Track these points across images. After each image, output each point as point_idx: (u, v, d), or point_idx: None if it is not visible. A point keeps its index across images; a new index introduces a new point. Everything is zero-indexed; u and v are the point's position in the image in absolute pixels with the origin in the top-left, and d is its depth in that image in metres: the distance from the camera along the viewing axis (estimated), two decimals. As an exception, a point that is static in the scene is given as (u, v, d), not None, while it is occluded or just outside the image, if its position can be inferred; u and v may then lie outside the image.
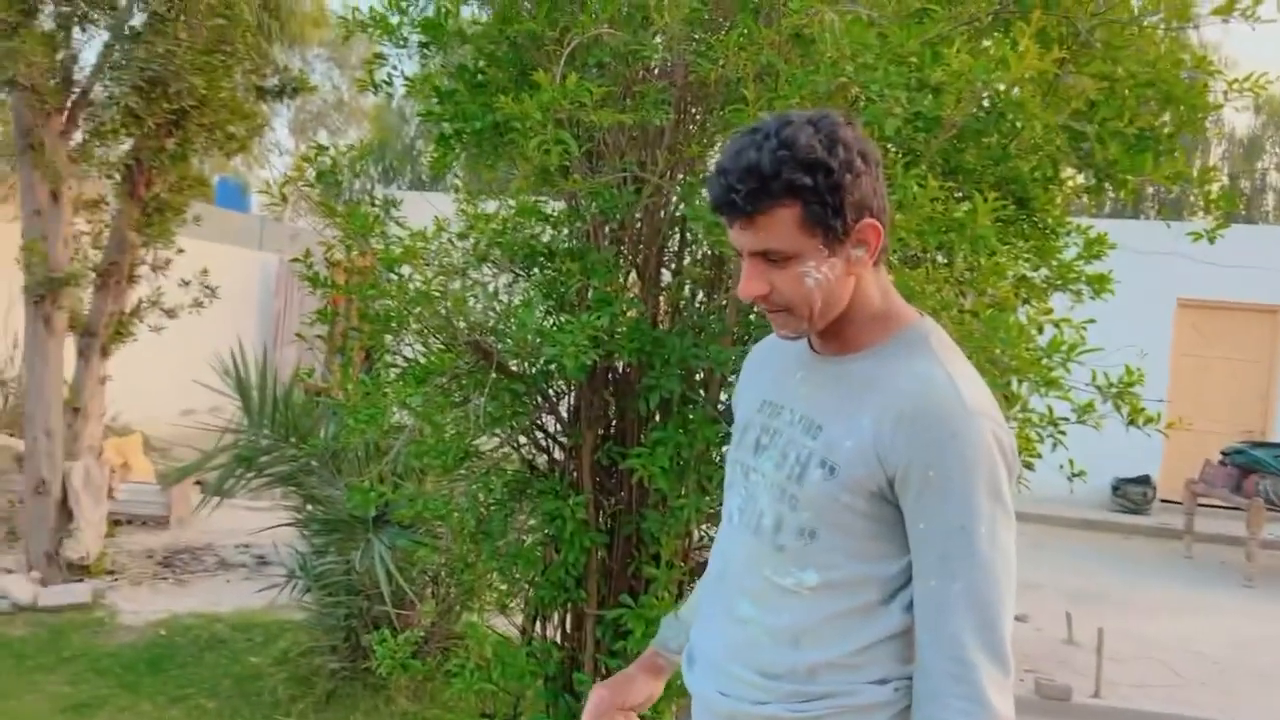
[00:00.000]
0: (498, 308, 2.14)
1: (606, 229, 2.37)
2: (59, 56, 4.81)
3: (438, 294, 1.98)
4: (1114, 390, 2.11)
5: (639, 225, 2.46)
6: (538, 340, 1.94)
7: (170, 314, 5.80)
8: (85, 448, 5.38)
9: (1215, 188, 2.37)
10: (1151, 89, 2.14)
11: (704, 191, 2.41)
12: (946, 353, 1.21)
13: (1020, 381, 1.65)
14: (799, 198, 1.12)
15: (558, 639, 2.62)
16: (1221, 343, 10.26)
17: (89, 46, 5.14)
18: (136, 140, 5.29)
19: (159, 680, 4.01)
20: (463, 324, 2.05)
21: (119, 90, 4.75)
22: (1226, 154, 20.70)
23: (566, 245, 2.36)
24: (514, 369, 2.23)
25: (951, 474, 1.12)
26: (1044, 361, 1.64)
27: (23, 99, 4.70)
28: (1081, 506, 9.21)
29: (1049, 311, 2.38)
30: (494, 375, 2.04)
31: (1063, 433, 2.22)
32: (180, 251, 5.87)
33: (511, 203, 2.27)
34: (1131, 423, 2.11)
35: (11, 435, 7.18)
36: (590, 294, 2.11)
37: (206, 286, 5.91)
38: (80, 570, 5.13)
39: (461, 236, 2.39)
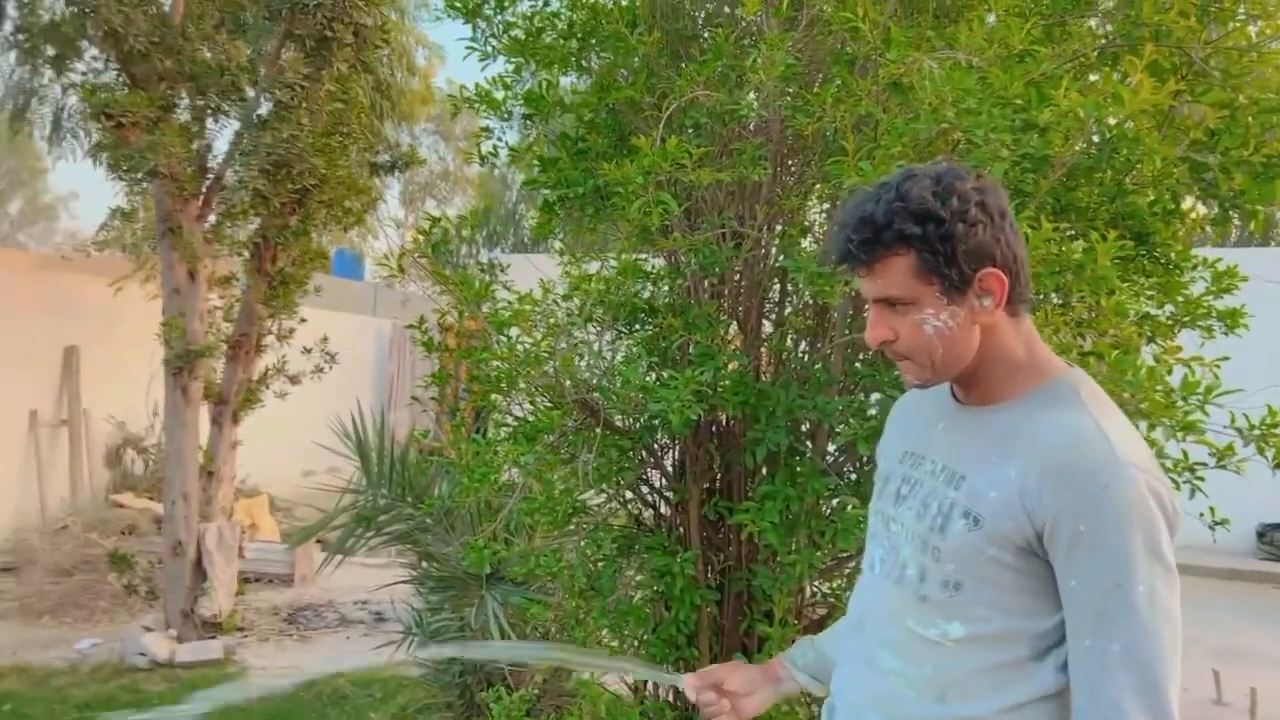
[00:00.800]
0: (602, 366, 2.18)
1: (706, 283, 2.39)
2: (194, 146, 5.23)
3: (546, 354, 2.03)
4: (1256, 433, 1.97)
5: (739, 279, 2.48)
6: (642, 396, 1.96)
7: (294, 380, 6.13)
8: (218, 510, 5.69)
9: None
10: (1277, 115, 2.03)
11: (803, 242, 2.42)
12: (1097, 404, 1.18)
13: (1152, 427, 1.57)
14: (911, 246, 1.15)
15: (670, 698, 2.59)
16: (1374, 376, 9.49)
17: (221, 136, 5.57)
18: (263, 219, 5.67)
19: (286, 736, 4.15)
20: (569, 382, 2.09)
21: (248, 174, 5.11)
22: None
23: (668, 301, 2.39)
24: (619, 425, 2.26)
25: (1105, 529, 1.08)
26: (1179, 405, 1.55)
27: (163, 187, 5.12)
28: (1224, 555, 8.56)
29: (1177, 350, 2.26)
30: (600, 432, 2.07)
31: (1201, 478, 2.09)
32: (303, 321, 6.22)
33: (613, 262, 2.33)
34: (1277, 466, 1.97)
35: (151, 499, 7.65)
36: (692, 349, 2.13)
37: (326, 353, 6.23)
38: (213, 627, 5.38)
39: (566, 297, 2.46)
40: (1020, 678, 1.16)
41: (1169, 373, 1.87)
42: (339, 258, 15.57)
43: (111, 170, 5.22)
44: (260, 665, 5.12)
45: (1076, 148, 1.97)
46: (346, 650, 5.46)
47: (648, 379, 2.12)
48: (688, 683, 1.51)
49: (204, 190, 5.34)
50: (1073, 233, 1.96)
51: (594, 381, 2.15)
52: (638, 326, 2.39)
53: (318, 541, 7.35)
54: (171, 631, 5.22)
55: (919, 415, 1.36)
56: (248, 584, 6.48)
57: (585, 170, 2.40)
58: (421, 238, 2.24)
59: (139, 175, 4.89)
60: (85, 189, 42.24)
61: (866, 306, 1.25)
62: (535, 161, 2.53)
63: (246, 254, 5.88)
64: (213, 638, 5.30)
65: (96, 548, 6.47)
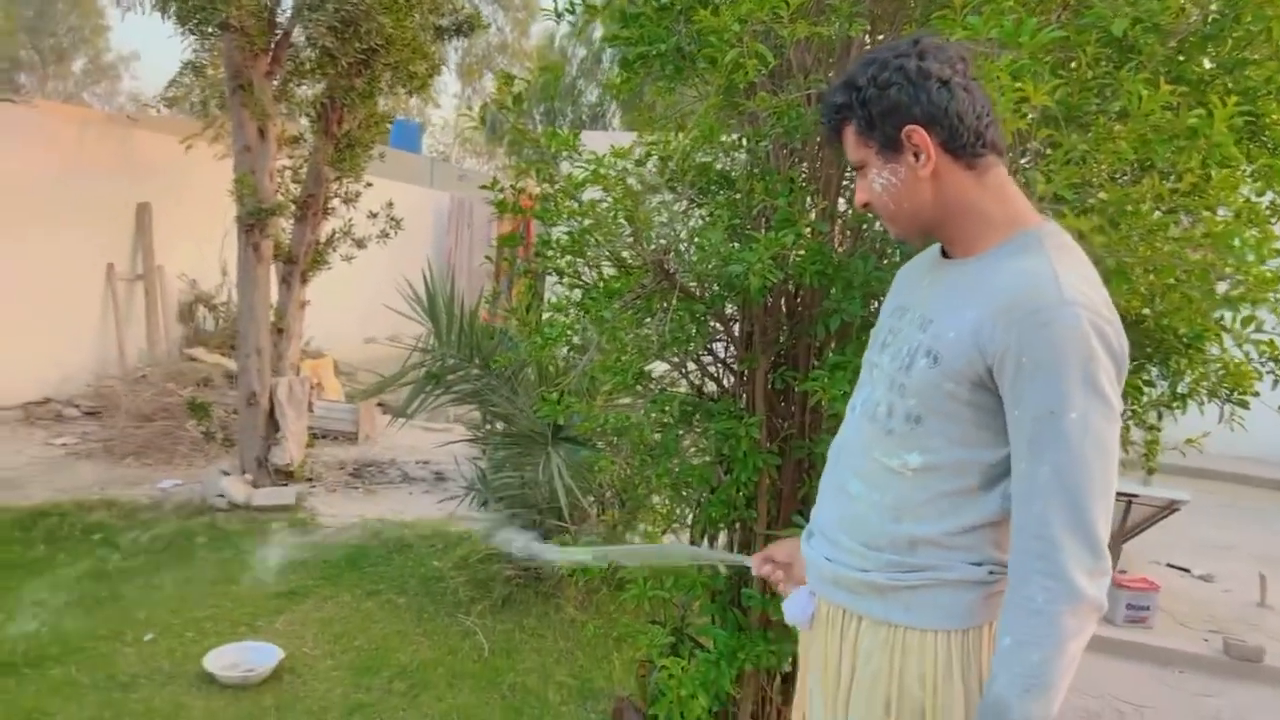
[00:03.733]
0: (678, 229, 2.17)
1: (787, 150, 2.35)
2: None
3: (625, 215, 2.03)
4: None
5: (820, 146, 2.42)
6: (721, 260, 1.97)
7: (360, 244, 6.22)
8: (288, 366, 5.91)
9: None
10: None
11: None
12: (1058, 251, 1.25)
13: (1256, 303, 1.53)
14: (848, 115, 1.33)
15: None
16: None
17: (289, -9, 5.48)
18: (330, 79, 5.64)
19: (355, 576, 4.42)
20: (649, 245, 2.10)
21: (316, 31, 5.06)
22: None
23: (746, 169, 2.36)
24: (693, 290, 2.27)
25: (1043, 360, 1.17)
26: (1282, 282, 1.51)
27: (233, 41, 5.09)
28: (1274, 466, 8.45)
29: (1274, 238, 2.19)
30: (676, 296, 2.09)
31: (1259, 378, 2.05)
32: (369, 185, 6.25)
33: (687, 133, 2.29)
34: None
35: (223, 354, 7.96)
36: (773, 214, 2.11)
37: (392, 218, 6.28)
38: (285, 475, 5.67)
39: (639, 163, 2.43)
40: (969, 504, 1.29)
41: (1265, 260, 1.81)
42: (397, 128, 15.49)
43: (180, 22, 5.20)
44: (329, 513, 5.42)
45: (1192, 17, 1.86)
46: (409, 504, 5.73)
47: (725, 244, 2.11)
48: (753, 563, 1.72)
49: (273, 46, 5.30)
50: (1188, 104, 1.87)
51: (669, 245, 2.15)
52: (715, 194, 2.37)
53: (379, 405, 7.63)
54: (247, 476, 5.52)
55: (914, 275, 1.48)
56: (315, 439, 6.78)
57: (668, 26, 2.34)
58: (504, 90, 2.22)
59: (209, 27, 4.87)
60: (147, 49, 42.14)
61: None
62: (618, 17, 2.47)
63: (314, 114, 5.88)
64: (285, 485, 5.60)
65: (174, 397, 6.80)
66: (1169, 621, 4.50)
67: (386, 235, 6.25)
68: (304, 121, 6.19)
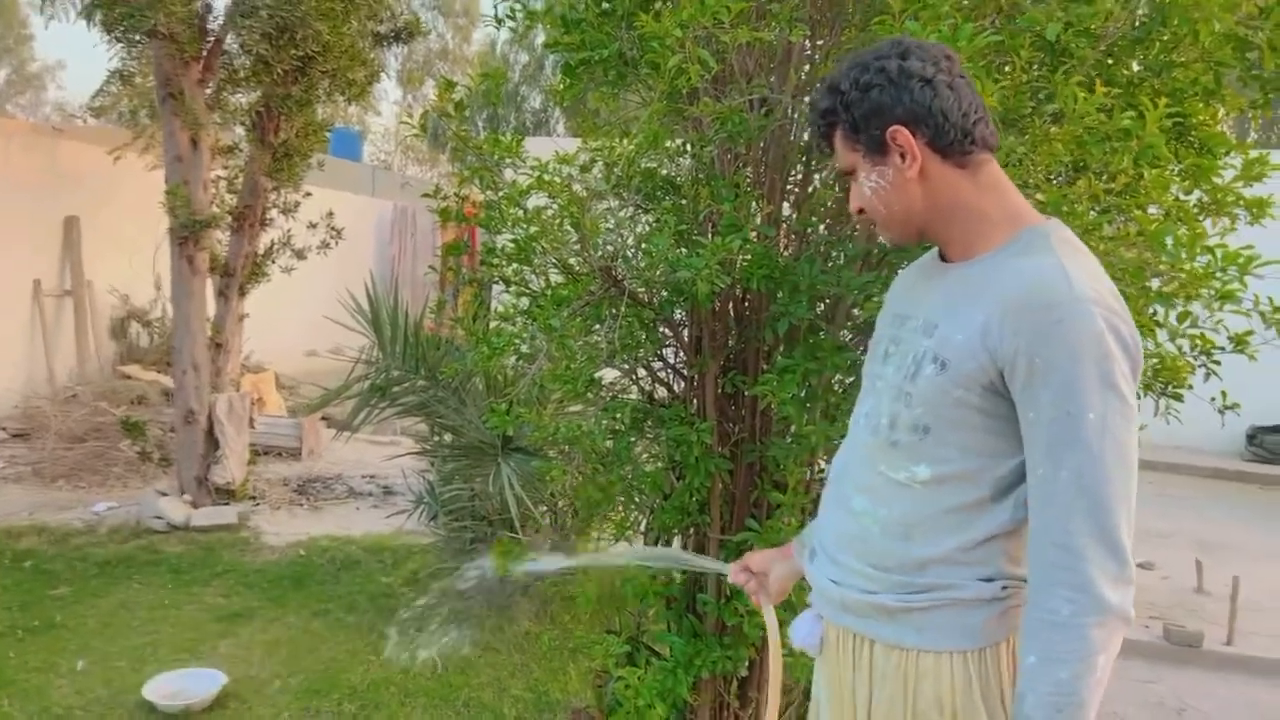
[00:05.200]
0: (624, 236, 2.16)
1: (731, 156, 2.35)
2: (194, 5, 5.03)
3: (571, 221, 2.01)
4: (1277, 316, 1.99)
5: (764, 152, 2.43)
6: (668, 266, 1.96)
7: (300, 255, 6.09)
8: (227, 381, 5.75)
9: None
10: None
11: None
12: (1064, 247, 1.22)
13: (1189, 298, 1.57)
14: (834, 120, 1.30)
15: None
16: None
17: (220, -3, 5.35)
18: (265, 87, 5.51)
19: (302, 595, 4.31)
20: (596, 252, 2.08)
21: (250, 38, 4.94)
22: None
23: (691, 175, 2.35)
24: (641, 297, 2.26)
25: (1058, 361, 1.12)
26: (1217, 275, 1.55)
27: (163, 49, 4.95)
28: (1213, 455, 8.75)
29: (1203, 236, 2.26)
30: (624, 302, 2.07)
31: (1217, 362, 2.11)
32: (308, 195, 6.13)
33: (631, 139, 2.28)
34: (1297, 351, 1.99)
35: (159, 371, 7.72)
36: (721, 220, 2.11)
37: (332, 228, 6.16)
38: (226, 494, 5.52)
39: (585, 169, 2.41)
40: (980, 516, 1.24)
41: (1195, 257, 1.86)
42: (337, 137, 15.25)
43: (107, 30, 5.04)
44: (273, 531, 5.28)
45: (1121, 21, 1.91)
46: (355, 520, 5.61)
47: (672, 250, 2.10)
48: (731, 571, 1.66)
49: (204, 53, 5.17)
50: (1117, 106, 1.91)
51: (616, 251, 2.13)
52: (658, 202, 2.36)
53: (323, 419, 7.47)
54: (186, 497, 5.35)
55: (911, 282, 1.43)
56: (258, 456, 6.61)
57: (610, 32, 2.32)
58: (445, 96, 2.18)
59: (136, 35, 4.72)
60: (74, 58, 40.87)
61: None
62: (559, 23, 2.44)
63: (249, 124, 5.74)
64: (226, 504, 5.44)
65: (107, 416, 6.57)
66: (1111, 610, 4.62)
67: (327, 245, 6.13)
68: (239, 130, 6.04)
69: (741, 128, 2.20)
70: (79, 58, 42.56)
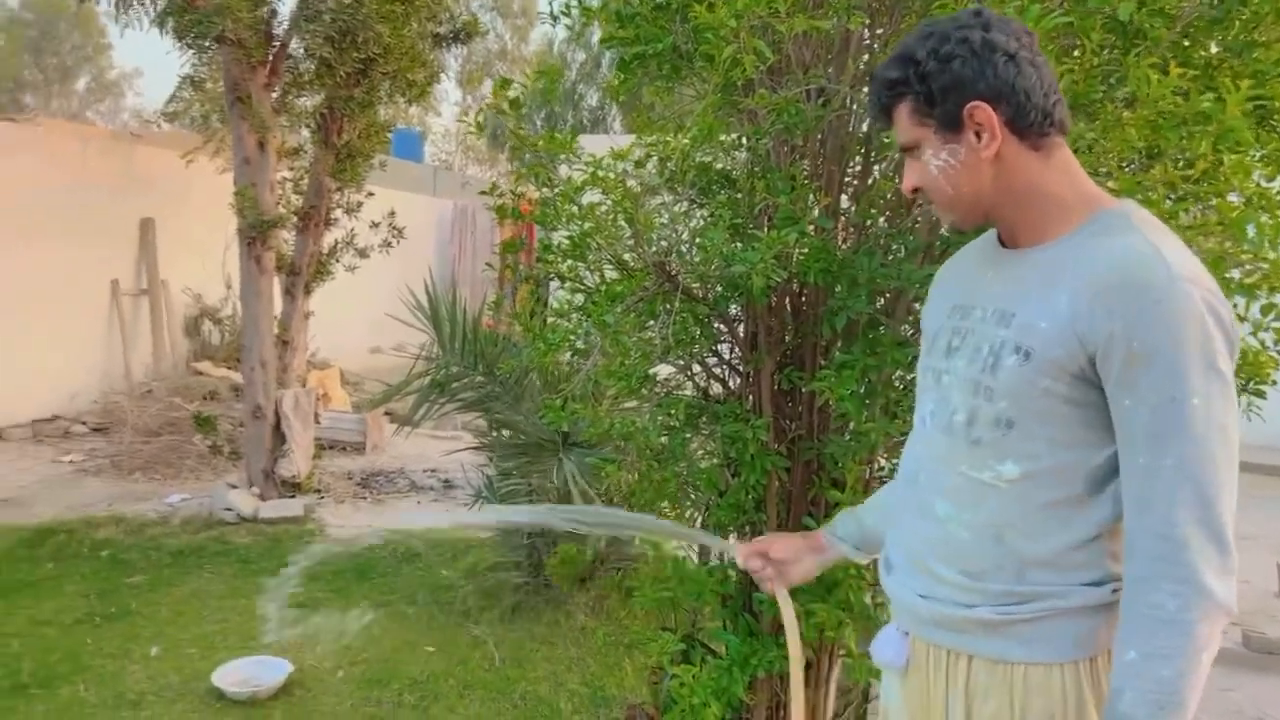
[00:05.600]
0: (679, 230, 2.14)
1: (788, 148, 2.32)
2: (260, 11, 5.16)
3: (626, 217, 2.00)
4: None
5: (821, 144, 2.39)
6: (723, 260, 1.94)
7: (363, 254, 6.21)
8: (293, 377, 5.89)
9: None
10: None
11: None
12: (1150, 227, 1.15)
13: (1273, 290, 1.49)
14: (904, 91, 1.22)
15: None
16: None
17: (285, 2, 5.47)
18: (329, 90, 5.63)
19: (365, 587, 4.40)
20: (650, 247, 2.07)
21: (313, 42, 5.05)
22: None
23: (746, 169, 2.33)
24: (695, 292, 2.24)
25: (1158, 344, 1.06)
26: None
27: (230, 54, 5.09)
28: (1299, 454, 8.35)
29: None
30: (679, 298, 2.06)
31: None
32: (370, 194, 6.24)
33: (685, 132, 2.26)
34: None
35: (229, 368, 7.95)
36: (775, 212, 2.08)
37: (394, 227, 6.27)
38: (293, 488, 5.66)
39: (639, 165, 2.40)
40: (1078, 515, 1.16)
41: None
42: (399, 138, 15.52)
43: (178, 37, 5.20)
44: (337, 524, 5.40)
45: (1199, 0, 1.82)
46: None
47: (727, 245, 2.08)
48: (738, 550, 1.57)
49: (270, 58, 5.30)
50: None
51: (671, 247, 2.12)
52: (716, 194, 2.34)
53: (386, 414, 7.61)
54: (254, 489, 5.50)
55: (966, 271, 1.36)
56: (323, 450, 6.76)
57: (664, 25, 2.31)
58: (500, 94, 2.19)
59: (206, 41, 4.86)
60: (150, 66, 42.40)
61: None
62: (614, 18, 2.44)
63: (313, 126, 5.87)
64: (292, 497, 5.58)
65: (181, 411, 6.80)
66: (1187, 615, 4.44)
67: (389, 244, 6.24)
68: (304, 133, 6.18)
69: (798, 119, 2.16)
70: (155, 65, 44.12)
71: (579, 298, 2.46)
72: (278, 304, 5.84)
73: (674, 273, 2.09)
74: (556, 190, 2.35)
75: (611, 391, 2.83)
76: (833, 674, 2.59)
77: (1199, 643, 1.06)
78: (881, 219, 2.44)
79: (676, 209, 2.38)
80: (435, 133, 29.24)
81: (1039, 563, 1.18)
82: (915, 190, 1.28)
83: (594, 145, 2.50)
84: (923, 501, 1.29)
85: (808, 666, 2.57)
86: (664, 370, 2.71)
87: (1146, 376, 1.07)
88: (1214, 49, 1.85)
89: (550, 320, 2.35)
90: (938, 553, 1.26)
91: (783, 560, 1.54)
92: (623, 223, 2.11)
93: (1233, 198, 2.00)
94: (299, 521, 5.35)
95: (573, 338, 2.37)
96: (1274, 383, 2.03)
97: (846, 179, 2.47)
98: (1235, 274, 1.67)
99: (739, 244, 2.12)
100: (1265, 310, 1.56)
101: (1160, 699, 1.06)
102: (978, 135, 1.19)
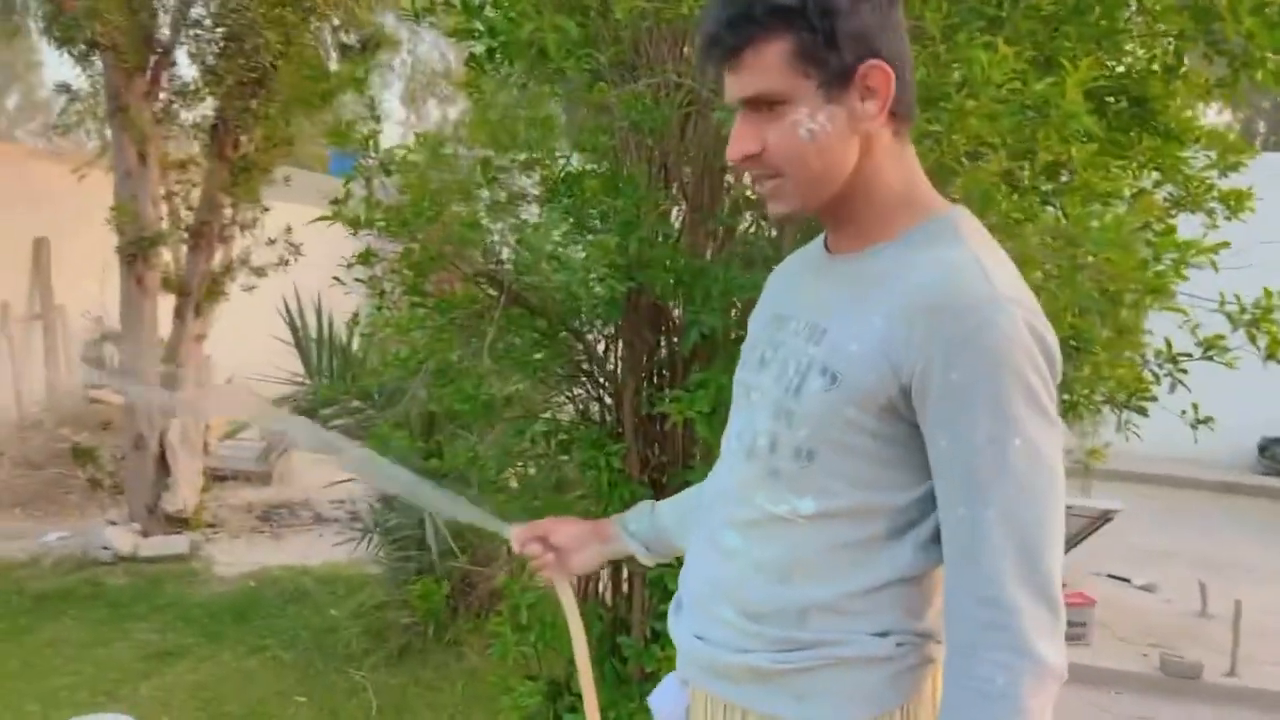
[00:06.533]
0: (512, 236, 1.94)
1: (639, 147, 2.13)
2: (139, 16, 4.87)
3: (428, 218, 1.79)
4: (1247, 317, 1.73)
5: (683, 144, 2.21)
6: (550, 268, 1.73)
7: (258, 272, 5.89)
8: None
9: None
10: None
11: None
12: (978, 239, 0.99)
13: (1117, 294, 1.33)
14: (789, 26, 0.96)
15: (604, 599, 2.44)
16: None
17: (168, 7, 5.19)
18: (220, 100, 5.34)
19: (241, 631, 4.08)
20: (477, 253, 1.86)
21: (196, 48, 4.77)
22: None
23: (592, 170, 2.13)
24: (534, 304, 2.03)
25: (978, 374, 0.92)
26: (1150, 268, 1.31)
27: (107, 61, 4.79)
28: (1222, 468, 8.41)
29: (1172, 231, 2.01)
30: (504, 308, 1.84)
31: (1184, 370, 1.87)
32: (266, 210, 5.93)
33: (530, 132, 2.06)
34: (1270, 356, 1.74)
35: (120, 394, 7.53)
36: (617, 217, 1.88)
37: (290, 244, 5.97)
38: (179, 523, 5.30)
39: (485, 165, 2.20)
40: (873, 558, 1.02)
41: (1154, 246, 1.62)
42: (336, 159, 15.10)
43: (54, 43, 4.89)
44: (226, 561, 5.06)
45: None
46: (317, 549, 5.37)
47: (565, 250, 1.88)
48: (514, 535, 1.40)
49: (151, 65, 5.00)
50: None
51: (504, 253, 1.91)
52: (560, 196, 2.14)
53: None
54: (135, 526, 5.14)
55: (791, 274, 1.21)
56: (222, 481, 6.40)
57: (514, 20, 2.11)
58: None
59: (75, 46, 4.56)
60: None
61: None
62: (458, 13, 2.24)
63: (205, 138, 5.57)
64: (179, 533, 5.23)
65: (69, 442, 6.38)
66: (1107, 637, 4.33)
67: (285, 262, 5.92)
68: (197, 145, 5.87)
69: (648, 115, 1.97)
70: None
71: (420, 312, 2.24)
72: (167, 326, 5.51)
73: (502, 280, 1.88)
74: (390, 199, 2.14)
75: (509, 414, 2.60)
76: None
77: (1031, 718, 0.92)
78: (746, 223, 2.27)
79: (523, 215, 2.17)
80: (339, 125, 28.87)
81: (823, 607, 1.03)
82: (748, 159, 1.02)
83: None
84: (713, 533, 1.13)
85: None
86: (536, 393, 2.49)
87: (965, 414, 0.93)
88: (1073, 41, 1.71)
89: (382, 335, 2.11)
90: (720, 590, 1.10)
91: (564, 548, 1.37)
92: (447, 222, 1.89)
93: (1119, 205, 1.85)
94: (183, 560, 5.00)
95: (419, 358, 2.14)
96: (1154, 398, 1.89)
97: (710, 181, 2.29)
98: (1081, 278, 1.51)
99: (580, 250, 1.93)
100: (1127, 324, 1.40)
101: None
102: (862, 100, 0.99)
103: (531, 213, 2.24)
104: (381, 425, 2.10)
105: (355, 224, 2.35)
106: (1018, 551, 0.92)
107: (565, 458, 2.40)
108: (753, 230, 2.23)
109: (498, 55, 2.22)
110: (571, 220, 1.89)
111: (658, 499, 2.31)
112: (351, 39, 6.16)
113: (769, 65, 0.97)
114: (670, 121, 2.03)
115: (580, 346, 2.24)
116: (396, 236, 2.23)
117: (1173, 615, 4.74)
